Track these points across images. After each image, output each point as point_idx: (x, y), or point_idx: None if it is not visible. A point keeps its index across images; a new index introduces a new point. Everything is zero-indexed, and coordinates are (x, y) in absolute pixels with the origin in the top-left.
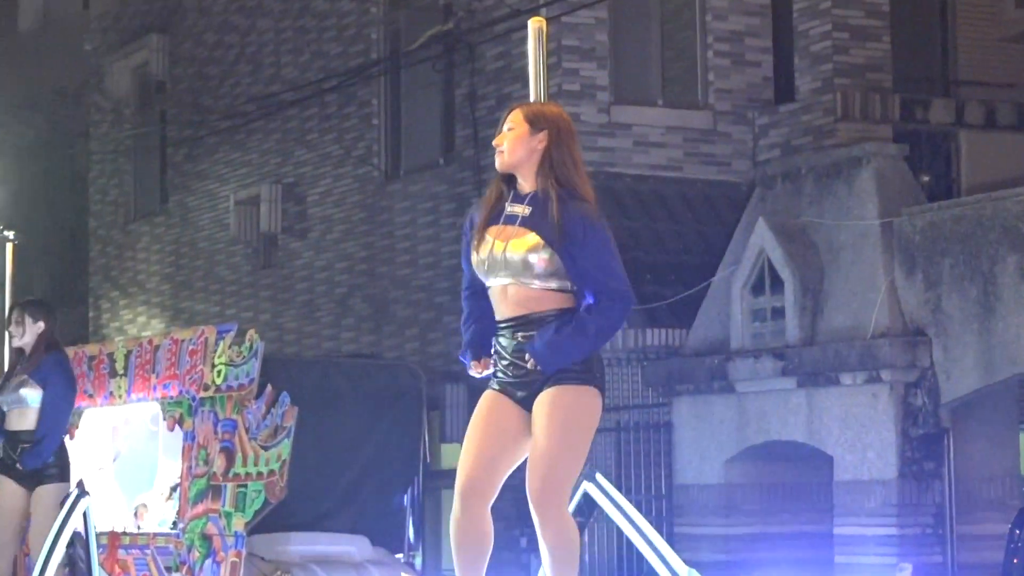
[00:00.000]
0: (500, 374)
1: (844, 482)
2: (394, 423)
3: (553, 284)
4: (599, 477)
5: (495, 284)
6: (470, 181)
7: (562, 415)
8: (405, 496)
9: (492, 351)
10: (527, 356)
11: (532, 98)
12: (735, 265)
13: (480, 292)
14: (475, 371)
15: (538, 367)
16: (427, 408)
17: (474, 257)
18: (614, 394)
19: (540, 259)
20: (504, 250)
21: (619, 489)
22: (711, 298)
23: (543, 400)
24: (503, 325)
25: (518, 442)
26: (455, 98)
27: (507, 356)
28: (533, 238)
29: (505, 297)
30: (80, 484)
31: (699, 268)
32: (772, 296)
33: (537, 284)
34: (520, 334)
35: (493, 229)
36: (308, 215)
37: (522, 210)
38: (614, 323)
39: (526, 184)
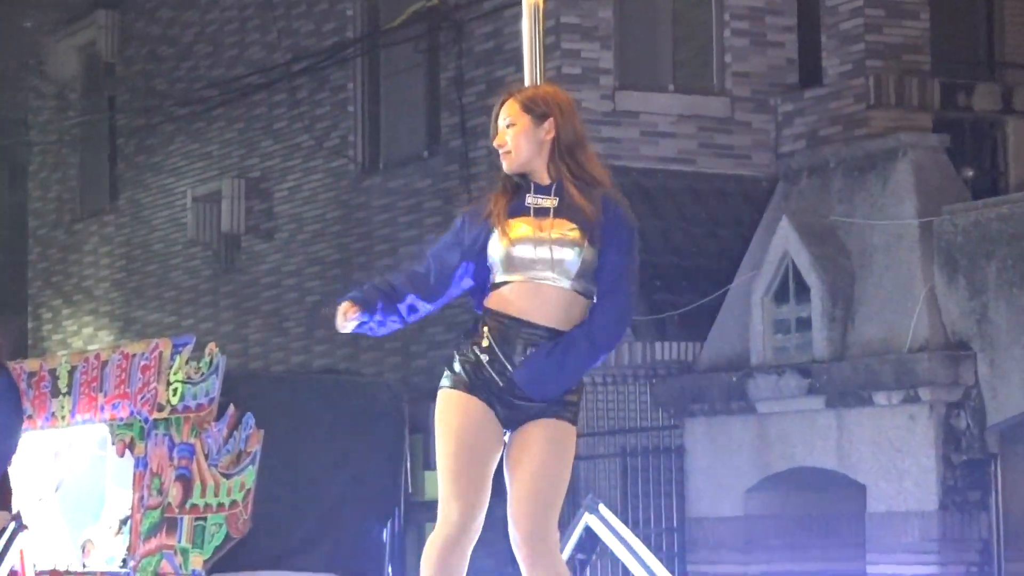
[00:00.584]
0: (487, 378)
1: (878, 514)
2: (372, 448)
3: (581, 286)
4: (602, 509)
5: (523, 279)
6: (457, 175)
7: (559, 453)
8: (384, 530)
9: (482, 347)
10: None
11: (527, 83)
12: (755, 270)
13: (443, 273)
14: (341, 316)
15: (530, 396)
16: (409, 431)
17: (498, 247)
18: (619, 416)
19: (581, 255)
20: (550, 243)
21: (625, 522)
22: (728, 307)
23: (539, 434)
24: (520, 328)
25: (494, 465)
26: (440, 82)
27: (508, 366)
28: (576, 231)
29: (536, 296)
30: (17, 517)
31: (715, 274)
32: (797, 305)
33: (569, 285)
34: (533, 348)
35: (526, 220)
36: (275, 213)
37: (551, 202)
38: (611, 336)
39: (543, 176)
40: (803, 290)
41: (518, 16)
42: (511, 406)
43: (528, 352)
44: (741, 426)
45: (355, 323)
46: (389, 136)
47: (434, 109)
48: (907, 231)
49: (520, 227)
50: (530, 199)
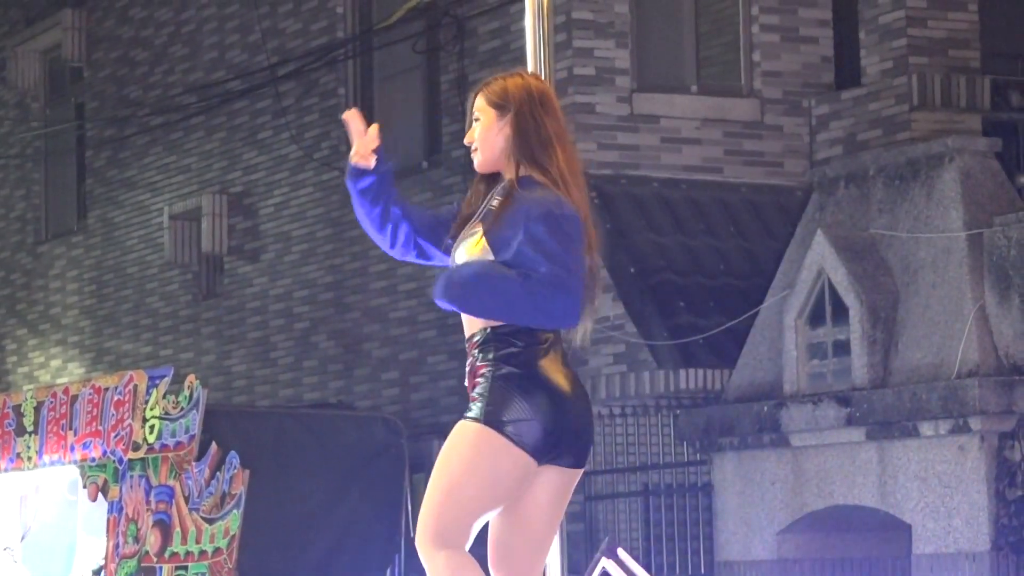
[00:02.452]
0: None
1: (925, 556)
2: (369, 488)
3: None
4: (621, 553)
5: None
6: (460, 187)
7: (445, 452)
8: None
9: None
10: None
11: None
12: (788, 290)
13: (426, 226)
14: (357, 150)
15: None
16: (410, 470)
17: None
18: (640, 450)
19: (472, 249)
20: (454, 253)
21: (647, 567)
22: (759, 331)
23: None
24: (467, 347)
25: None
26: (441, 85)
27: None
28: (481, 240)
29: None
30: None
31: (744, 293)
32: (834, 327)
33: None
34: (471, 358)
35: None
36: (260, 232)
37: (496, 203)
38: (539, 306)
39: (508, 176)
40: (841, 311)
41: (523, 11)
42: None
43: (476, 378)
44: (774, 461)
45: (371, 159)
46: (384, 145)
47: (434, 115)
48: (955, 245)
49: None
50: (488, 201)
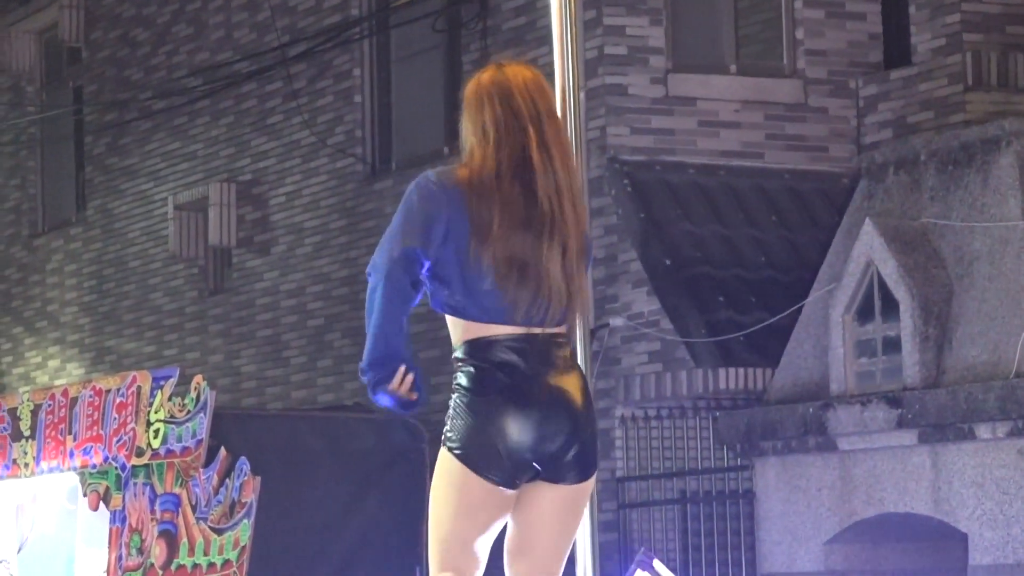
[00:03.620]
0: None
1: (982, 567)
2: (387, 496)
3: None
4: (657, 564)
5: None
6: None
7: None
8: None
9: None
10: None
11: (558, 65)
12: (834, 283)
13: None
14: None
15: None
16: (431, 476)
17: None
18: (677, 455)
19: None
20: None
21: None
22: (803, 327)
23: None
24: None
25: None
26: (462, 66)
27: None
28: None
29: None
30: None
31: (786, 287)
32: (884, 323)
33: None
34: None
35: None
36: (271, 223)
37: None
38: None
39: None
40: (891, 305)
41: None
42: None
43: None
44: (820, 466)
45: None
46: (402, 130)
47: (455, 98)
48: (1012, 234)
49: None
50: None
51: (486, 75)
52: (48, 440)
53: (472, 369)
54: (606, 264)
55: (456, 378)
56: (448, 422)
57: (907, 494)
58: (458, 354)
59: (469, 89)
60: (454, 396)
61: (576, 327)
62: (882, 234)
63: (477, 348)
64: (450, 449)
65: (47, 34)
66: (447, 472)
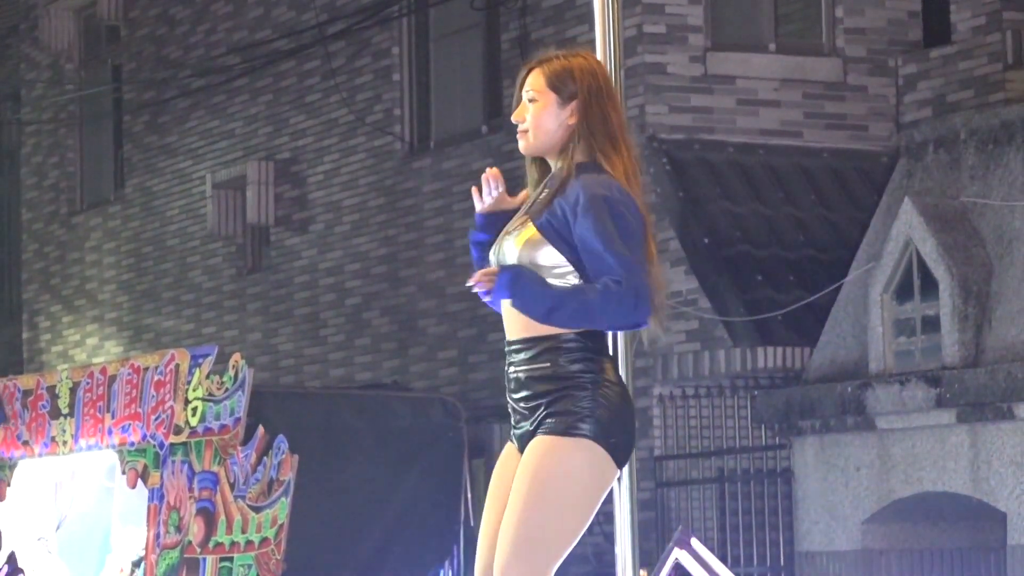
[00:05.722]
0: (511, 410)
1: (1021, 547)
2: (426, 475)
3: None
4: (695, 543)
5: None
6: (521, 154)
7: (537, 470)
8: (441, 570)
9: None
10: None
11: (599, 44)
12: (873, 262)
13: None
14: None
15: (483, 290)
16: (469, 455)
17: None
18: (715, 434)
19: (540, 256)
20: (500, 250)
21: (722, 559)
22: (842, 306)
23: (524, 454)
24: (510, 348)
25: None
26: (501, 44)
27: (513, 391)
28: (531, 230)
29: (507, 310)
30: (11, 559)
31: (825, 266)
32: (923, 302)
33: None
34: (524, 365)
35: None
36: (309, 201)
37: (545, 194)
38: (609, 316)
39: (557, 166)
40: (930, 284)
41: None
42: (520, 439)
43: (522, 374)
44: (858, 445)
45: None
46: (441, 109)
47: (494, 76)
48: None
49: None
50: (537, 193)
51: (599, 64)
52: (86, 418)
53: (609, 363)
54: None
55: (590, 370)
56: (595, 416)
57: (946, 473)
58: (589, 343)
59: (604, 72)
60: (600, 390)
61: None
62: (921, 213)
63: (604, 340)
64: (612, 447)
65: (86, 12)
66: (600, 474)
